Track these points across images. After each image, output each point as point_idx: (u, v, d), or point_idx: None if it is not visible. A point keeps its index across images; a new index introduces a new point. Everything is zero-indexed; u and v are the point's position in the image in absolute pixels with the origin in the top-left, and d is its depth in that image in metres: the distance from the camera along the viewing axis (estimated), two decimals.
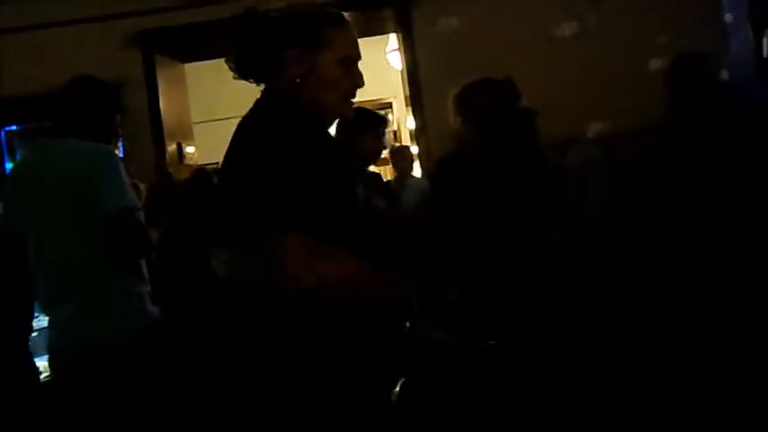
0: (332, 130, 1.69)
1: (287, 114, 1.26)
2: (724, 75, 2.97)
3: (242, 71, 1.34)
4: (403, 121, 6.46)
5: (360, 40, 1.38)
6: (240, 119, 1.34)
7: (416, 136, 4.53)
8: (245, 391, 1.26)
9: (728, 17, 4.21)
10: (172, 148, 4.72)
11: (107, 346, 1.72)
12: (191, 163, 4.81)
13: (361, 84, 1.36)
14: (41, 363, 1.98)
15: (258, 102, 1.34)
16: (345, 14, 1.37)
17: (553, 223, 2.05)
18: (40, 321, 2.02)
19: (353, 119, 2.12)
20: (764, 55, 4.11)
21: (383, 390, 1.29)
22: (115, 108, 1.99)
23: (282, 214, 1.12)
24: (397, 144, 5.75)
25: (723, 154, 2.26)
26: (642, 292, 2.14)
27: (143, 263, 1.91)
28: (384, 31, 5.05)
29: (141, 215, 1.84)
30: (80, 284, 1.77)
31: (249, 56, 1.32)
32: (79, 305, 1.76)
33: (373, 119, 2.62)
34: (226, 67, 1.37)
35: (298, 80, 1.29)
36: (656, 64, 3.22)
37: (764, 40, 4.05)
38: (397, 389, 1.32)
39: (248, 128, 1.28)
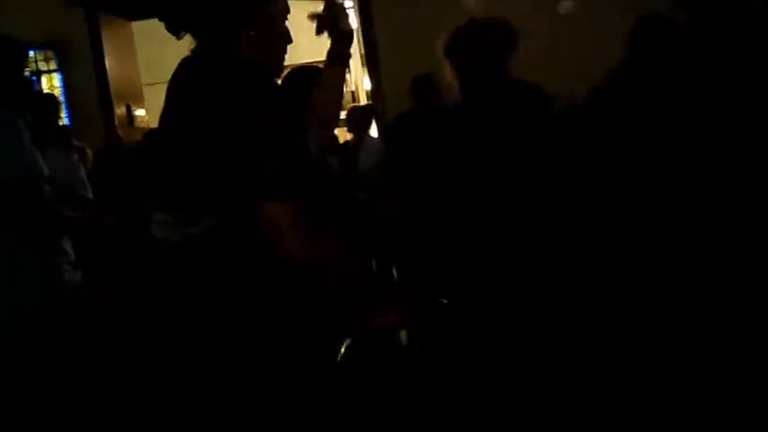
0: None
1: (246, 73, 1.21)
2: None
3: (181, 23, 1.25)
4: (360, 81, 6.38)
5: None
6: None
7: (372, 95, 4.50)
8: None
9: None
10: (121, 110, 4.58)
11: (24, 319, 1.68)
12: (142, 126, 4.68)
13: (291, 39, 1.33)
14: None
15: (198, 57, 1.26)
16: None
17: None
18: None
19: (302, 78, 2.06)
20: None
21: (327, 350, 1.29)
22: (18, 66, 1.82)
23: (278, 182, 1.10)
24: (354, 104, 5.69)
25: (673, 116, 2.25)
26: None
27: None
28: None
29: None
30: None
31: (196, 6, 1.25)
32: None
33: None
34: None
35: (252, 33, 1.25)
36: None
37: None
38: (342, 350, 1.32)
39: (204, 89, 1.19)
